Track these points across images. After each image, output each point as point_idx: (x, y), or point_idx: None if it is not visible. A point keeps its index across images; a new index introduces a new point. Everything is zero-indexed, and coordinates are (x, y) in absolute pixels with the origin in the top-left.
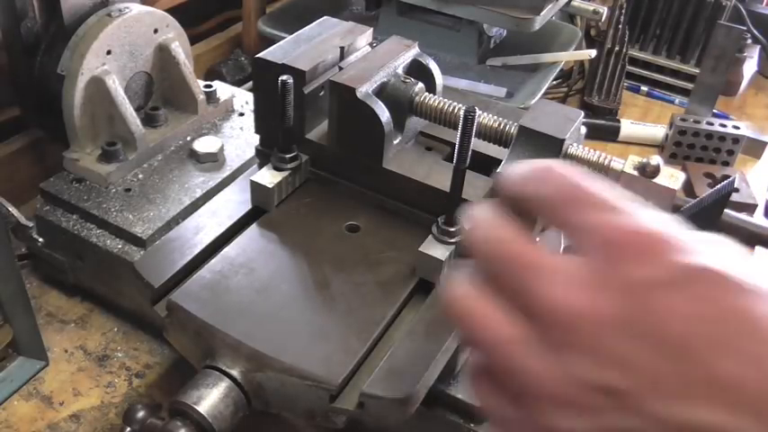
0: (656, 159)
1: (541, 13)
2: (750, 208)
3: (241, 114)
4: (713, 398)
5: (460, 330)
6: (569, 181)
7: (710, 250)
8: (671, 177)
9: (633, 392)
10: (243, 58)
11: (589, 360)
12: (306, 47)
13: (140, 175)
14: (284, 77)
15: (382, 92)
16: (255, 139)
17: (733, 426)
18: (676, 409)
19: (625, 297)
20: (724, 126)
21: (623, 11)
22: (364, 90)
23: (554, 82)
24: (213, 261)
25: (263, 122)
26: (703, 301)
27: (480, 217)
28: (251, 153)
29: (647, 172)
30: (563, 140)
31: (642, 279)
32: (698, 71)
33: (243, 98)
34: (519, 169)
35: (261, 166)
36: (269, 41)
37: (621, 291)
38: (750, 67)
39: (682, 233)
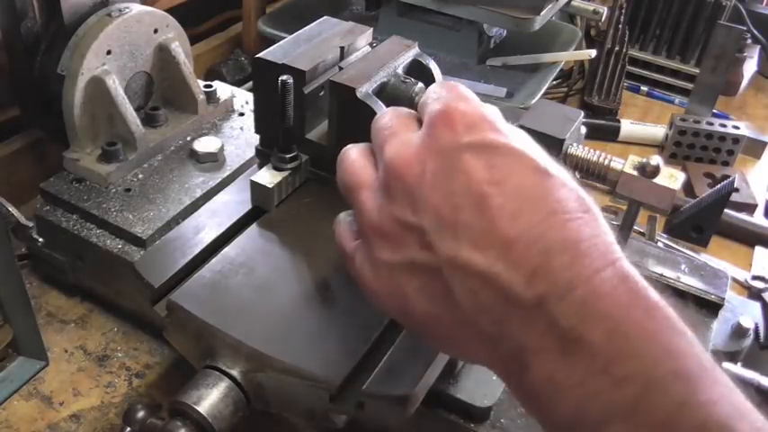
0: (656, 159)
1: (541, 13)
2: (750, 208)
3: (241, 114)
4: (489, 248)
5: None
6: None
7: (517, 136)
8: (671, 177)
9: (432, 233)
10: (243, 58)
11: (407, 203)
12: (306, 47)
13: (140, 175)
14: (284, 77)
15: (382, 92)
16: (255, 139)
17: (501, 273)
18: (462, 252)
19: (441, 157)
20: (724, 126)
21: (623, 11)
22: (364, 90)
23: (554, 82)
24: (213, 261)
25: (263, 122)
26: (501, 169)
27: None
28: (251, 153)
29: (647, 172)
30: (563, 140)
31: (457, 145)
32: (698, 71)
33: (243, 98)
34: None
35: (261, 167)
36: (269, 41)
37: (439, 152)
38: (750, 67)
39: (498, 120)
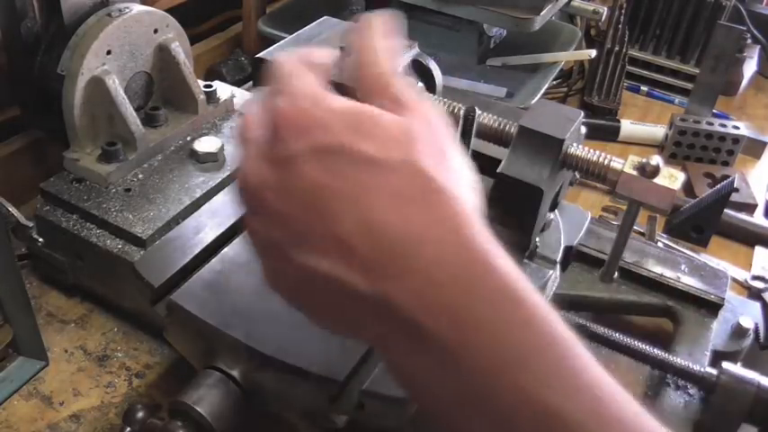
0: (655, 159)
1: (541, 13)
2: (750, 208)
3: (241, 114)
4: (332, 252)
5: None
6: (276, 72)
7: (350, 126)
8: (671, 177)
9: (284, 244)
10: (243, 58)
11: (261, 217)
12: (306, 47)
13: (140, 175)
14: None
15: None
16: None
17: (344, 275)
18: (310, 259)
19: (276, 168)
20: (724, 126)
21: (623, 11)
22: None
23: (554, 82)
24: (213, 261)
25: None
26: (334, 171)
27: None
28: None
29: (647, 172)
30: (563, 140)
31: (287, 154)
32: (698, 71)
33: (243, 98)
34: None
35: None
36: (269, 41)
37: (275, 164)
38: (750, 67)
39: (330, 112)
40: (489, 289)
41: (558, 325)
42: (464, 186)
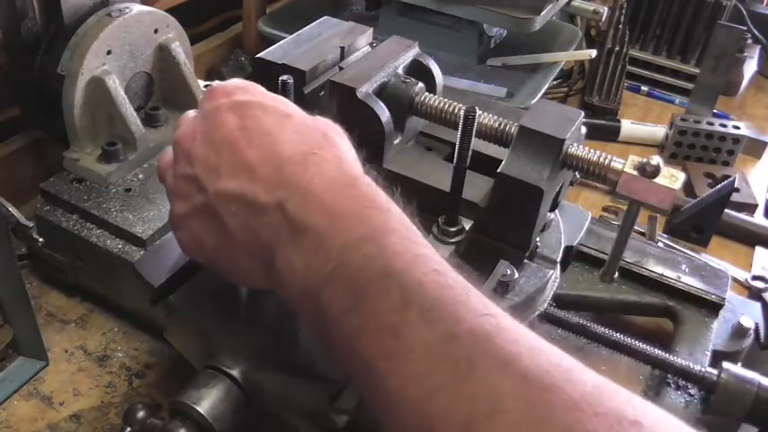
0: (656, 159)
1: (541, 13)
2: (750, 208)
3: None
4: (240, 175)
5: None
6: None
7: (268, 97)
8: (671, 177)
9: (203, 177)
10: (243, 58)
11: (185, 161)
12: (306, 47)
13: (140, 175)
14: (284, 77)
15: (382, 92)
16: None
17: (249, 190)
18: (222, 184)
19: (205, 120)
20: (724, 126)
21: (623, 11)
22: (364, 90)
23: (554, 82)
24: None
25: None
26: (249, 118)
27: None
28: None
29: (647, 172)
30: (563, 140)
31: (215, 107)
32: (698, 71)
33: None
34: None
35: None
36: (269, 41)
37: (204, 117)
38: (750, 67)
39: (251, 87)
40: (352, 193)
41: (404, 220)
42: (346, 143)
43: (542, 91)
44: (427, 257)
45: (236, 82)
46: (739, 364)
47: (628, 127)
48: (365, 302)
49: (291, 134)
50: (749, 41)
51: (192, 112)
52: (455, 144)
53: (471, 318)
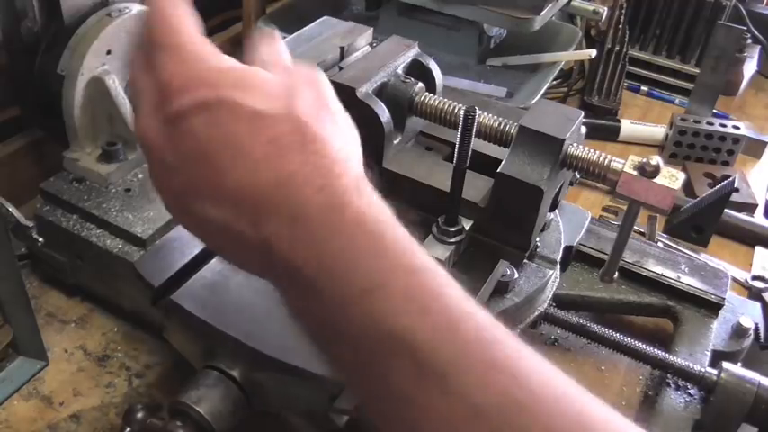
0: (656, 159)
1: (541, 13)
2: (750, 208)
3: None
4: (225, 204)
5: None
6: (156, 19)
7: (230, 79)
8: (671, 177)
9: (182, 193)
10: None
11: (161, 170)
12: (306, 47)
13: (140, 175)
14: None
15: (382, 92)
16: None
17: (236, 226)
18: (205, 208)
19: (167, 126)
20: (724, 126)
21: (623, 11)
22: (364, 90)
23: (554, 82)
24: (213, 261)
25: None
26: (217, 125)
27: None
28: None
29: (647, 172)
30: (563, 140)
31: (176, 111)
32: (698, 71)
33: None
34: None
35: None
36: None
37: (165, 121)
38: (750, 67)
39: (213, 70)
40: (347, 224)
41: (421, 256)
42: (342, 138)
43: (542, 91)
44: (437, 298)
45: (191, 69)
46: (739, 364)
47: (627, 127)
48: (372, 369)
49: (267, 145)
50: (749, 41)
51: (136, 87)
52: (455, 144)
53: (500, 382)
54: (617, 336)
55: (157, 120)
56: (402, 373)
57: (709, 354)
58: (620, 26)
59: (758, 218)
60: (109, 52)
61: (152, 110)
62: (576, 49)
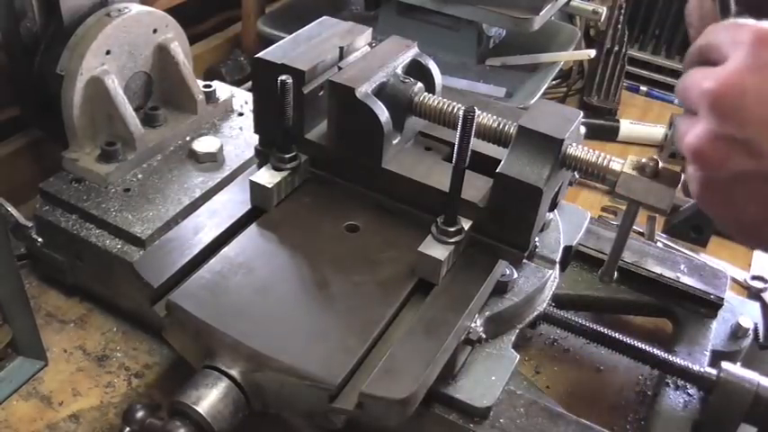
0: (655, 159)
1: (541, 13)
2: None
3: (240, 114)
4: None
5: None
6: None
7: None
8: (670, 177)
9: (758, 142)
10: (242, 58)
11: (730, 121)
12: (305, 47)
13: (140, 175)
14: (283, 77)
15: (381, 92)
16: (255, 139)
17: None
18: None
19: (760, 74)
20: None
21: (622, 11)
22: (364, 90)
23: (553, 82)
24: (213, 261)
25: (263, 122)
26: None
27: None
28: (250, 153)
29: (647, 172)
30: (562, 140)
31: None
32: None
33: (242, 98)
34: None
35: (260, 166)
36: (268, 41)
37: (754, 68)
38: None
39: None
40: None
41: None
42: None
43: (541, 91)
44: None
45: None
46: (738, 364)
47: (627, 127)
48: None
49: None
50: None
51: (724, 47)
52: (454, 144)
53: None
54: (617, 336)
55: (742, 69)
56: None
57: (708, 354)
58: (620, 26)
59: None
60: (108, 52)
61: (739, 64)
62: (575, 49)
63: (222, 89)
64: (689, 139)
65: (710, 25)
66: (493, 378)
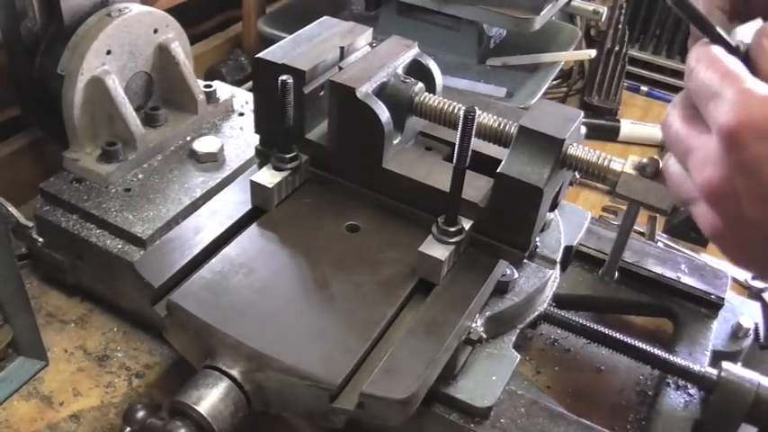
0: (655, 159)
1: (541, 13)
2: None
3: (241, 114)
4: None
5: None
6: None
7: None
8: None
9: None
10: (243, 58)
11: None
12: (306, 47)
13: (140, 175)
14: (284, 77)
15: (382, 92)
16: (255, 139)
17: None
18: None
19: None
20: None
21: (623, 11)
22: (364, 90)
23: (554, 82)
24: (213, 261)
25: (263, 122)
26: None
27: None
28: (251, 153)
29: (647, 172)
30: (563, 140)
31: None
32: None
33: (243, 98)
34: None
35: (261, 166)
36: (269, 41)
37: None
38: None
39: None
40: None
41: None
42: None
43: (542, 91)
44: None
45: None
46: (739, 363)
47: (627, 127)
48: None
49: None
50: None
51: (709, 108)
52: (455, 144)
53: None
54: (617, 336)
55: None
56: None
57: (708, 354)
58: (620, 26)
59: None
60: (109, 52)
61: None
62: (575, 49)
63: (223, 89)
64: (703, 226)
65: (697, 48)
66: (493, 378)
